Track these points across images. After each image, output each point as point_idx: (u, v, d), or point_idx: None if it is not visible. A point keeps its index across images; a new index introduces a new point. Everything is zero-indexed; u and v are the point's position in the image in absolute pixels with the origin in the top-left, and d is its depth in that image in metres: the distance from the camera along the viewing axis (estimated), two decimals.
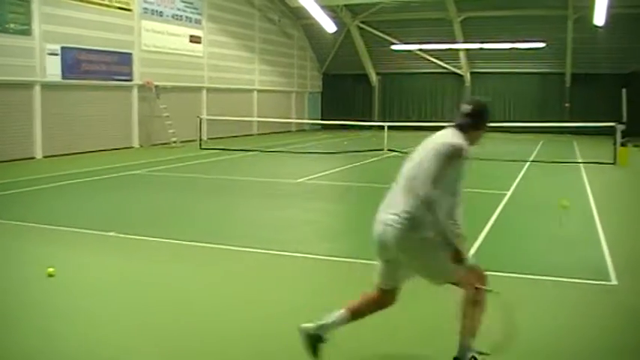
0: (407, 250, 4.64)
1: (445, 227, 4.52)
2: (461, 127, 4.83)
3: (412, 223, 4.55)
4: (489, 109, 4.98)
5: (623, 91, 26.92)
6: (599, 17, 28.95)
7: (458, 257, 4.57)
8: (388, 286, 4.92)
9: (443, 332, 5.36)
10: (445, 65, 39.24)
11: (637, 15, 30.95)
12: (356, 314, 4.95)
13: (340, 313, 4.91)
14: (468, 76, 39.29)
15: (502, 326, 4.78)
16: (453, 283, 4.71)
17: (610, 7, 27.49)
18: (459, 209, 4.84)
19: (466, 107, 4.90)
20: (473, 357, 4.72)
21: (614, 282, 7.22)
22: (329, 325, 4.89)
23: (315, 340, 4.87)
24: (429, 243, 4.56)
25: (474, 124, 4.84)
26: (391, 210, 4.70)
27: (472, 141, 4.80)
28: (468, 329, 4.68)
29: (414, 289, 5.10)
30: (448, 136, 4.79)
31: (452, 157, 4.59)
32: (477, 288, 4.64)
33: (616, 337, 5.72)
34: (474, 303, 4.66)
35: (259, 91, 35.29)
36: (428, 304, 6.23)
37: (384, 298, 4.97)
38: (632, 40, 32.42)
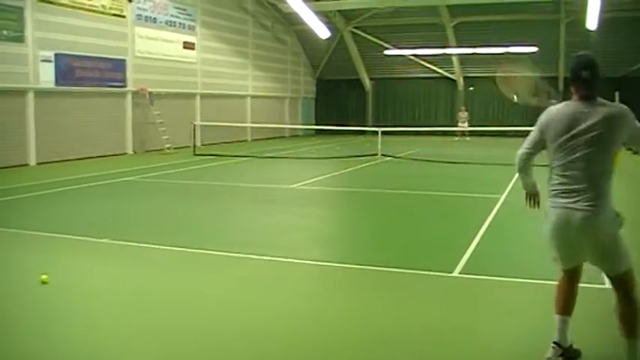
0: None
1: None
2: (594, 96, 4.71)
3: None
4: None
5: (616, 94, 26.92)
6: (592, 21, 29.07)
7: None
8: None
9: None
10: (438, 70, 39.37)
11: (629, 18, 31.12)
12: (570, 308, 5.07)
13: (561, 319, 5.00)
14: (461, 81, 39.40)
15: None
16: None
17: (602, 11, 27.61)
18: None
19: (585, 73, 4.71)
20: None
21: (608, 285, 7.21)
22: (566, 336, 4.99)
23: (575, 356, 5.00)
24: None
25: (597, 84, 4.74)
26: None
27: None
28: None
29: None
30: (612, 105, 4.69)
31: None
32: None
33: (613, 341, 5.72)
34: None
35: (253, 96, 35.31)
36: None
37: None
38: (624, 44, 32.56)
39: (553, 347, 4.89)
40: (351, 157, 23.33)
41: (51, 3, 21.67)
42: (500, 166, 19.98)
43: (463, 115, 36.50)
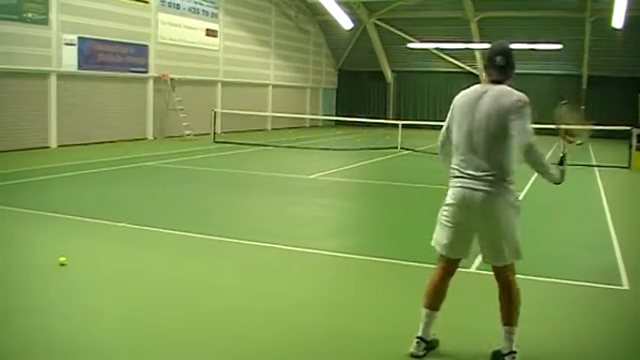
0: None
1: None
2: (500, 81, 4.91)
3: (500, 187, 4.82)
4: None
5: None
6: (618, 20, 28.73)
7: None
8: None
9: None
10: (461, 65, 39.12)
11: None
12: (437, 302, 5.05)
13: (429, 313, 5.02)
14: (483, 76, 39.02)
15: None
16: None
17: (629, 9, 27.31)
18: None
19: (498, 58, 4.89)
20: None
21: (625, 286, 7.18)
22: (429, 331, 5.04)
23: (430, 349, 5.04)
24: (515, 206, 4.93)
25: (510, 72, 4.94)
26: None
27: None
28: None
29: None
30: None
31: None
32: None
33: (626, 342, 5.69)
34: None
35: (274, 86, 35.31)
36: None
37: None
38: None
39: (417, 342, 4.96)
40: (371, 149, 23.29)
41: None
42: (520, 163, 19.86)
43: None
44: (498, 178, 4.68)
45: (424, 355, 4.96)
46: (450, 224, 4.84)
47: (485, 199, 4.66)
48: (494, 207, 4.67)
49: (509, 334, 4.83)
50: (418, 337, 4.97)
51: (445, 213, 4.87)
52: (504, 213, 4.71)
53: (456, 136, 4.84)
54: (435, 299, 4.99)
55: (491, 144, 4.68)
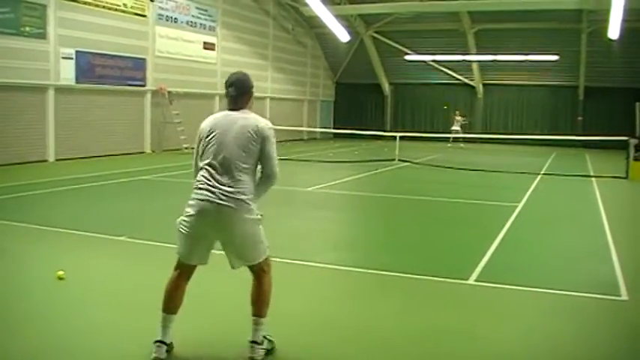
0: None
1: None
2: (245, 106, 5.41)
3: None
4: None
5: (637, 105, 26.80)
6: (614, 31, 28.86)
7: None
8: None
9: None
10: (458, 76, 39.24)
11: None
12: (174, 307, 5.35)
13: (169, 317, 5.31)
14: (480, 88, 39.27)
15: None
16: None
17: (624, 20, 27.42)
18: None
19: (233, 89, 5.44)
20: (265, 337, 5.27)
21: (624, 297, 7.18)
22: (169, 334, 5.25)
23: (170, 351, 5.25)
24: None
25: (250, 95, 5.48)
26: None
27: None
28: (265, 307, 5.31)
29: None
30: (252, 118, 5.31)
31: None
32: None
33: (625, 353, 5.69)
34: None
35: (272, 98, 35.38)
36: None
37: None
38: None
39: (158, 345, 5.12)
40: (369, 161, 23.29)
41: (74, 1, 21.80)
42: (519, 174, 19.91)
43: (458, 118, 34.68)
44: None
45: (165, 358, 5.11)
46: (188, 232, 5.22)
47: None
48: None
49: (258, 325, 5.25)
50: (158, 341, 5.14)
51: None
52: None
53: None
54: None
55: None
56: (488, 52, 35.53)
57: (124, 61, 24.37)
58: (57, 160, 21.43)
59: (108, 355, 5.26)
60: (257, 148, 5.10)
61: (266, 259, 5.35)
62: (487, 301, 7.03)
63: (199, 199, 5.06)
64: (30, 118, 20.72)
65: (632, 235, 11.43)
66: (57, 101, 21.57)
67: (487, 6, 31.72)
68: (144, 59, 25.52)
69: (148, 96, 25.95)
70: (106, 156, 23.05)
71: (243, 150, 5.05)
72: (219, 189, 4.99)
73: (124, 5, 24.15)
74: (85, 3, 22.31)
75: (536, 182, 18.13)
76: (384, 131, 34.63)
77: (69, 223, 10.62)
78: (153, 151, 26.07)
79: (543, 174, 20.54)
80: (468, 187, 17.22)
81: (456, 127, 33.96)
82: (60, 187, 15.22)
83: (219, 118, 5.34)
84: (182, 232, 5.18)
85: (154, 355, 5.05)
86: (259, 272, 5.35)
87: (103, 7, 23.11)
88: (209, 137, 5.18)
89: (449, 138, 32.98)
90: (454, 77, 39.39)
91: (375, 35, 38.22)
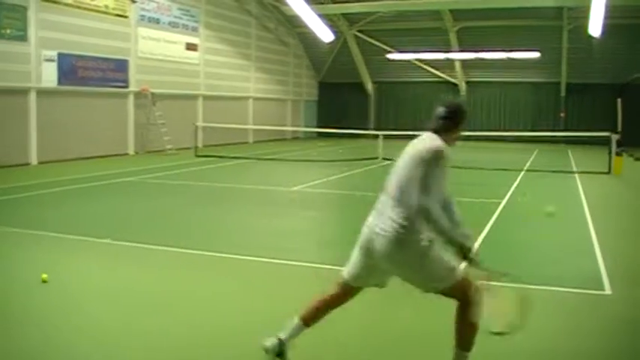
0: (396, 261, 4.61)
1: (447, 228, 4.52)
2: (437, 130, 4.83)
3: (405, 233, 4.52)
4: (464, 108, 4.99)
5: (618, 100, 26.95)
6: (595, 27, 29.03)
7: (465, 255, 4.58)
8: (357, 283, 4.97)
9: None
10: (441, 74, 39.35)
11: (632, 25, 31.11)
12: (312, 319, 5.01)
13: (295, 323, 4.97)
14: (463, 86, 39.40)
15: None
16: (446, 293, 4.65)
17: (605, 17, 27.59)
18: (454, 208, 4.92)
19: (440, 110, 4.92)
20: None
21: (608, 291, 7.23)
22: (287, 339, 4.92)
23: (278, 356, 4.89)
24: (423, 250, 4.52)
25: (449, 125, 4.85)
26: (382, 219, 4.67)
27: (449, 142, 4.78)
28: (465, 339, 4.67)
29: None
30: (427, 141, 4.76)
31: (434, 160, 4.57)
32: (473, 288, 4.59)
33: (609, 347, 5.73)
34: (472, 308, 4.59)
35: (255, 99, 35.32)
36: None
37: (346, 295, 5.04)
38: (627, 51, 32.60)
39: (278, 341, 4.90)
40: (353, 160, 23.32)
41: (54, 2, 21.70)
42: (502, 171, 20.00)
43: None
44: None
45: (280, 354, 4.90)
46: None
47: None
48: None
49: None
50: (280, 339, 4.91)
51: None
52: None
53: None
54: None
55: None
56: (471, 49, 35.68)
57: (106, 62, 24.26)
58: (40, 163, 21.31)
59: (93, 357, 5.23)
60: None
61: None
62: None
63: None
64: (12, 121, 20.59)
65: (615, 229, 11.52)
66: (39, 104, 21.45)
67: (469, 4, 31.82)
68: (126, 60, 25.41)
69: (131, 97, 25.85)
70: (89, 158, 22.94)
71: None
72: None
73: (106, 7, 24.03)
74: (67, 5, 22.19)
75: (519, 178, 18.22)
76: (368, 130, 34.66)
77: (52, 226, 10.57)
78: (136, 153, 25.97)
79: (526, 170, 20.65)
80: (451, 185, 17.14)
81: None
82: (43, 190, 15.14)
83: None
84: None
85: (266, 345, 4.89)
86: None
87: (85, 8, 22.99)
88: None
89: None
90: (437, 75, 39.49)
91: (358, 34, 38.26)
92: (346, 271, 4.98)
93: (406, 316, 6.37)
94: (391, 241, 4.54)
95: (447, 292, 4.64)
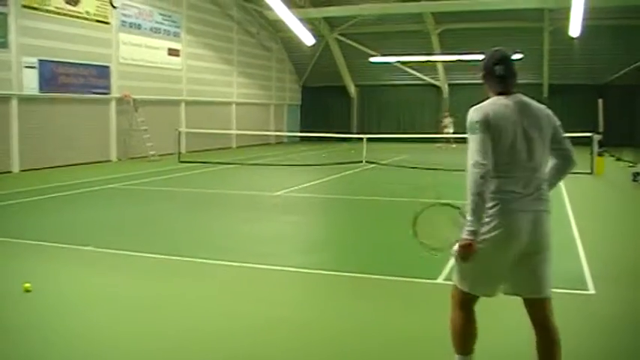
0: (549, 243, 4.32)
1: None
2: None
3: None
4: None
5: (600, 101, 27.10)
6: (575, 29, 29.24)
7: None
8: (492, 293, 4.52)
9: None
10: (423, 77, 39.47)
11: (612, 26, 31.34)
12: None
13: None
14: (445, 88, 39.52)
15: None
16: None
17: (585, 18, 27.78)
18: None
19: (513, 65, 4.61)
20: None
21: (591, 291, 7.26)
22: None
23: None
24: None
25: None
26: (540, 196, 4.22)
27: None
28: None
29: None
30: (539, 104, 4.69)
31: None
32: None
33: (595, 346, 5.75)
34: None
35: (238, 103, 35.28)
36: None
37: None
38: (607, 51, 32.82)
39: None
40: (336, 164, 23.32)
41: (35, 9, 21.56)
42: None
43: (447, 120, 35.15)
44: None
45: None
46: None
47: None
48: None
49: None
50: None
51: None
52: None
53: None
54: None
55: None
56: (453, 52, 35.79)
57: (87, 69, 24.13)
58: (22, 170, 21.16)
59: None
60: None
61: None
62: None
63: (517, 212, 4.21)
64: None
65: (598, 229, 11.57)
66: (20, 111, 21.30)
67: (450, 7, 31.95)
68: (108, 67, 25.30)
69: (113, 104, 25.73)
70: (71, 165, 22.80)
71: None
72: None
73: (87, 13, 23.92)
74: (47, 11, 22.06)
75: None
76: (351, 133, 34.67)
77: (34, 234, 10.49)
78: (119, 159, 25.84)
79: None
80: (436, 187, 17.28)
81: (449, 129, 34.01)
82: (25, 198, 15.03)
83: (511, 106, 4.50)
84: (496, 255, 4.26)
85: None
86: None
87: (65, 14, 22.88)
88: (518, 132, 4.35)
89: (416, 139, 33.05)
90: (419, 78, 39.62)
91: (340, 38, 38.33)
92: (471, 286, 4.45)
93: (406, 316, 6.36)
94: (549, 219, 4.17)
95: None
